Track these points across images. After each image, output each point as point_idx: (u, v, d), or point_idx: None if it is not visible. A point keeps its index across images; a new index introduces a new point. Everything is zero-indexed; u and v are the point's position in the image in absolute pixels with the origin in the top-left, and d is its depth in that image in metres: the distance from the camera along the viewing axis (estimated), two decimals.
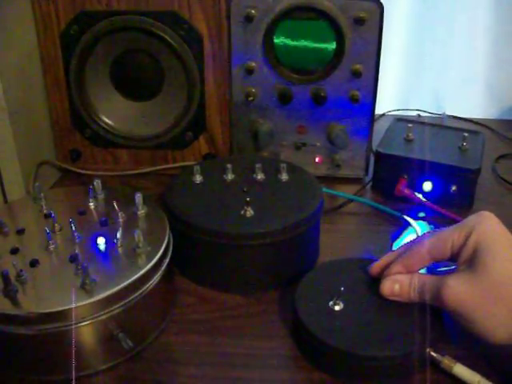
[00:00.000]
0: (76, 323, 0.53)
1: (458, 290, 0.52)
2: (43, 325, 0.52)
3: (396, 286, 0.57)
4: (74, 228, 0.61)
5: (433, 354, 0.54)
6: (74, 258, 0.57)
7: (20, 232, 0.62)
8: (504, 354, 0.56)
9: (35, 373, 0.55)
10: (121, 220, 0.64)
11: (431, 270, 0.60)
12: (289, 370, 0.58)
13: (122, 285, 0.54)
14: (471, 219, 0.56)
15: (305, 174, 0.76)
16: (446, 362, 0.54)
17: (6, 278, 0.53)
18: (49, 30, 0.84)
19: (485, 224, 0.54)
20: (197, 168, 0.73)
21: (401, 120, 0.96)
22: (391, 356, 0.54)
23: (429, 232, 0.61)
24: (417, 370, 0.55)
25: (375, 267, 0.61)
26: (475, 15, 1.14)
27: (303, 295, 0.60)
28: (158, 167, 0.92)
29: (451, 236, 0.55)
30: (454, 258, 0.56)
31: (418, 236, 0.63)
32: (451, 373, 0.54)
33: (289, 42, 0.83)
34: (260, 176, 0.73)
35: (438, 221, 0.78)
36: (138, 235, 0.59)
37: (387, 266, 0.59)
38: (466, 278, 0.52)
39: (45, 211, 0.65)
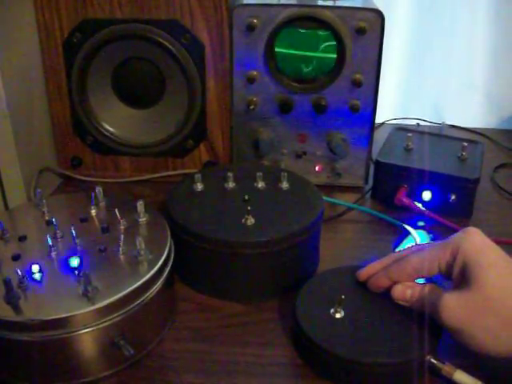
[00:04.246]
0: (77, 330, 0.53)
1: (454, 307, 0.53)
2: (45, 332, 0.52)
3: (408, 291, 0.58)
4: (75, 235, 0.61)
5: (433, 360, 0.55)
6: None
7: (22, 239, 0.62)
8: (504, 365, 0.56)
9: (36, 380, 0.55)
10: (122, 227, 0.64)
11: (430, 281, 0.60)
12: (289, 378, 0.58)
13: (124, 292, 0.55)
14: (456, 236, 0.56)
15: (305, 182, 0.76)
16: (447, 368, 0.54)
17: (7, 284, 0.53)
18: (51, 37, 0.85)
19: (470, 240, 0.55)
20: (198, 176, 0.73)
21: (400, 129, 0.96)
22: (391, 363, 0.54)
23: (417, 246, 0.62)
24: (417, 377, 0.55)
25: (363, 274, 0.62)
26: (474, 25, 1.15)
27: (304, 303, 0.60)
28: (159, 174, 0.93)
29: (437, 255, 0.57)
30: (444, 275, 0.57)
31: (405, 248, 0.63)
32: (452, 380, 0.54)
33: (290, 51, 0.83)
34: (261, 184, 0.74)
35: (437, 230, 0.79)
36: (140, 243, 0.59)
37: (375, 274, 0.61)
38: (460, 296, 0.53)
39: (46, 218, 0.66)
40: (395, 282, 0.59)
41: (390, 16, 0.86)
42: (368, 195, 0.90)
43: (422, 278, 0.59)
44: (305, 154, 0.91)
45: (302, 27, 0.82)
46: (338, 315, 0.58)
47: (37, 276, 0.56)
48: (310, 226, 0.67)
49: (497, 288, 0.52)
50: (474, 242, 0.55)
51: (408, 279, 0.58)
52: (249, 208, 0.66)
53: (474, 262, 0.53)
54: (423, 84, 1.21)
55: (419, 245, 0.65)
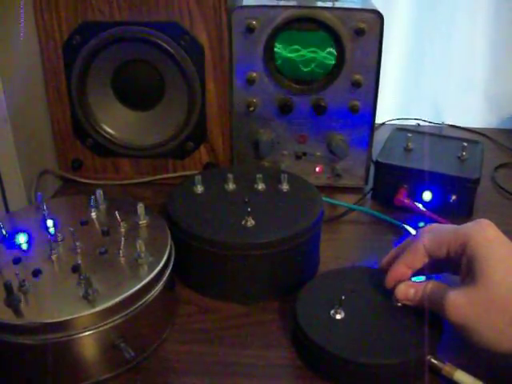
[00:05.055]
0: (78, 333, 0.53)
1: (460, 304, 0.52)
2: (45, 335, 0.52)
3: (411, 290, 0.58)
4: (76, 238, 0.61)
5: (433, 360, 0.55)
6: (76, 268, 0.57)
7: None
8: (504, 365, 0.56)
9: (37, 383, 0.55)
10: (122, 230, 0.64)
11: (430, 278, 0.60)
12: (290, 379, 0.58)
13: (124, 295, 0.55)
14: (469, 227, 0.56)
15: (305, 183, 0.76)
16: (447, 368, 0.54)
17: (8, 287, 0.53)
18: (51, 40, 0.85)
19: (482, 233, 0.54)
20: (198, 178, 0.73)
21: (401, 130, 0.96)
22: (392, 364, 0.54)
23: (428, 226, 0.61)
24: (418, 378, 0.55)
25: (384, 264, 0.63)
26: (474, 25, 1.15)
27: (304, 304, 0.60)
28: (159, 176, 0.93)
29: (448, 239, 0.56)
30: (452, 260, 0.56)
31: (418, 231, 0.63)
32: (452, 379, 0.54)
33: (289, 52, 0.84)
34: (261, 186, 0.74)
35: None
36: (140, 245, 0.59)
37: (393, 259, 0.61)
38: (466, 292, 0.53)
39: (47, 221, 0.66)
40: (411, 268, 0.59)
41: (390, 16, 0.86)
42: (368, 196, 0.89)
43: (432, 258, 0.58)
44: (305, 155, 0.91)
45: (301, 28, 0.82)
46: (338, 316, 0.58)
47: (37, 279, 0.56)
48: (310, 227, 0.67)
49: (504, 285, 0.51)
50: (486, 235, 0.54)
51: (422, 260, 0.58)
52: (249, 210, 0.66)
53: (483, 255, 0.52)
54: (423, 84, 1.21)
55: (429, 226, 0.62)
